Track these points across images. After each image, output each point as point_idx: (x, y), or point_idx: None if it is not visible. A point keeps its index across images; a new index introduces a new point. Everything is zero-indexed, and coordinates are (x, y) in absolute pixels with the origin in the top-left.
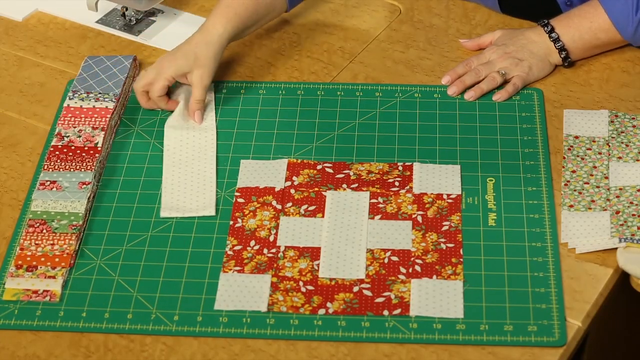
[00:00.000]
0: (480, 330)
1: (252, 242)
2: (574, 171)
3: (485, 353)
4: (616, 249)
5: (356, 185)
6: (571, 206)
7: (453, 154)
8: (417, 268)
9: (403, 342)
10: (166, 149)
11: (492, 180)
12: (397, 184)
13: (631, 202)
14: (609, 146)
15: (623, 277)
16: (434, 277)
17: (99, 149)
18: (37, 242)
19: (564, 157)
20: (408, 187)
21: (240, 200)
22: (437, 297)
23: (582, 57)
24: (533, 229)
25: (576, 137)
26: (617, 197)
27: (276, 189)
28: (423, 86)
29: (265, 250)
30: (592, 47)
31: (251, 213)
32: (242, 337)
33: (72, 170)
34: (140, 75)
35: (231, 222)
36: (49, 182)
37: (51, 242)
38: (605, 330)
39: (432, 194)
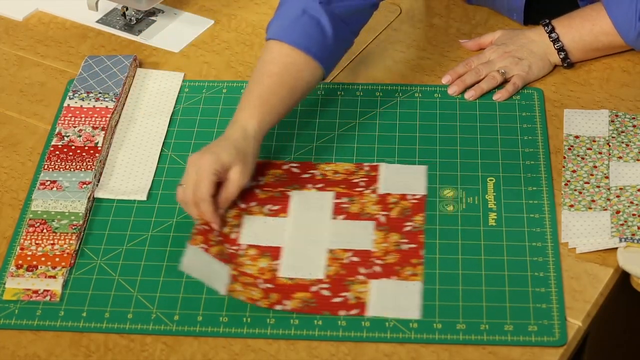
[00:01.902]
0: (480, 330)
1: (216, 234)
2: (574, 171)
3: (486, 353)
4: (616, 248)
5: (322, 185)
6: (571, 206)
7: (453, 153)
8: (377, 269)
9: (403, 341)
10: (118, 129)
11: (492, 180)
12: (362, 184)
13: (631, 202)
14: (610, 146)
15: (623, 277)
16: (393, 277)
17: (99, 148)
18: (37, 241)
19: (564, 157)
20: (373, 187)
21: None
22: (394, 298)
23: (582, 59)
24: (533, 228)
25: (576, 137)
26: (618, 196)
27: None
28: (423, 86)
29: (227, 245)
30: (592, 49)
31: None
32: (243, 336)
33: (72, 170)
34: (179, 189)
35: None
36: (49, 182)
37: (51, 241)
38: (605, 330)
39: (396, 194)
